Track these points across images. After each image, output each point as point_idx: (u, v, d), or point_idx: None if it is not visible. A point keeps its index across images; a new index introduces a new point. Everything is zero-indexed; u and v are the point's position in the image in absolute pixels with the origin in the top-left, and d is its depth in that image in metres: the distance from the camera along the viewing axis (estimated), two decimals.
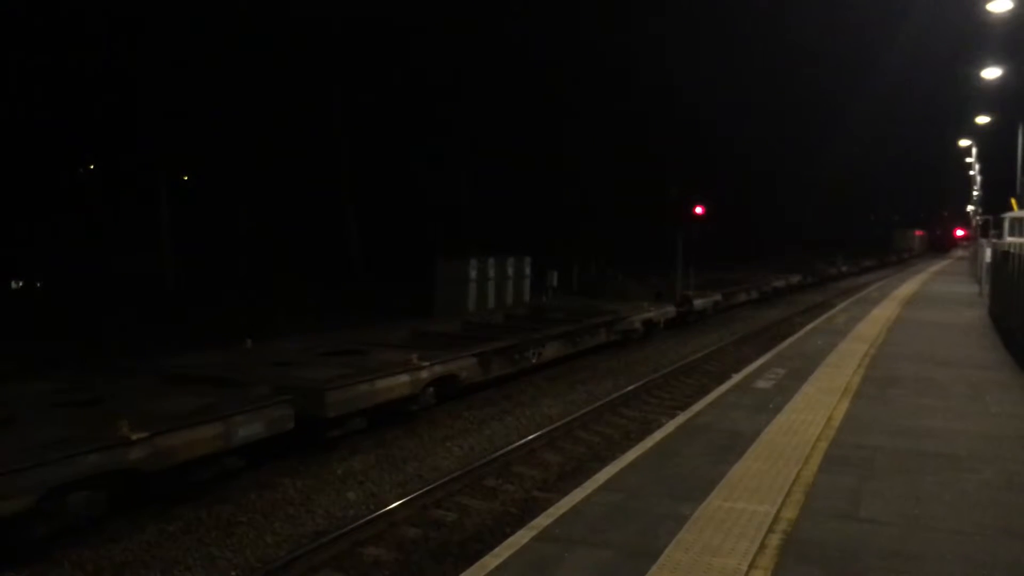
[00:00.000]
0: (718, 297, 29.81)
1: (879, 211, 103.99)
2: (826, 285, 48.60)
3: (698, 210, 44.78)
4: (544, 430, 13.68)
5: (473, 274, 23.43)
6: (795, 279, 41.88)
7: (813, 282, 46.29)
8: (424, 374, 13.55)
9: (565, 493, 8.60)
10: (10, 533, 8.11)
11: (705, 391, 14.88)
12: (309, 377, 12.27)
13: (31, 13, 25.35)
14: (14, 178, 27.73)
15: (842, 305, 29.68)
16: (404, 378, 13.11)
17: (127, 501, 9.36)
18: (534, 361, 17.80)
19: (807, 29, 61.83)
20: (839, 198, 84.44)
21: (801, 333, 20.95)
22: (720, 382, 15.30)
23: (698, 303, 27.61)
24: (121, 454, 8.84)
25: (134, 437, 8.94)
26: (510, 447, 12.68)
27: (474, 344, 16.11)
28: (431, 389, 13.89)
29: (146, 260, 29.86)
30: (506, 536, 7.58)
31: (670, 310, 25.58)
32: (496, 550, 6.75)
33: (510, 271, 25.08)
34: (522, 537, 6.95)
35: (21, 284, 29.33)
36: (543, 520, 7.35)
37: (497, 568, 6.34)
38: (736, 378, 14.38)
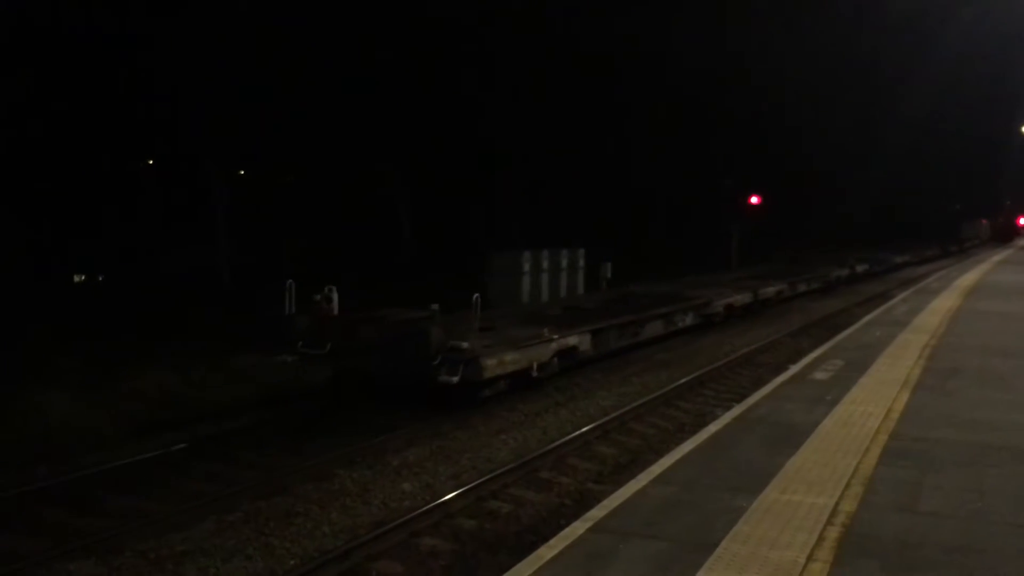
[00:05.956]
0: (867, 266, 44.42)
1: (940, 200, 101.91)
2: (885, 275, 47.97)
3: (753, 200, 44.32)
4: (598, 422, 13.69)
5: (527, 267, 23.39)
6: (905, 257, 55.71)
7: (915, 261, 57.34)
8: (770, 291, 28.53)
9: (620, 485, 8.58)
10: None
11: (760, 383, 14.74)
12: (706, 294, 24.15)
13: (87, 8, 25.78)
14: (74, 173, 28.27)
15: (902, 295, 29.16)
16: (748, 295, 26.31)
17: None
18: (801, 290, 32.53)
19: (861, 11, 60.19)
20: (898, 187, 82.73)
21: (860, 324, 20.65)
22: (776, 374, 15.17)
23: (859, 268, 42.26)
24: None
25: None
26: (564, 439, 12.69)
27: (781, 278, 31.14)
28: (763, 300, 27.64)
29: (203, 254, 30.25)
30: (561, 528, 7.58)
31: (846, 272, 39.70)
32: (551, 542, 6.74)
33: (563, 263, 25.01)
34: (577, 529, 6.94)
35: (83, 278, 29.93)
36: (598, 512, 7.33)
37: (552, 560, 6.34)
38: (793, 369, 14.23)
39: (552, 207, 39.98)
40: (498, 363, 13.86)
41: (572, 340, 16.20)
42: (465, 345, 13.41)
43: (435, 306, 14.39)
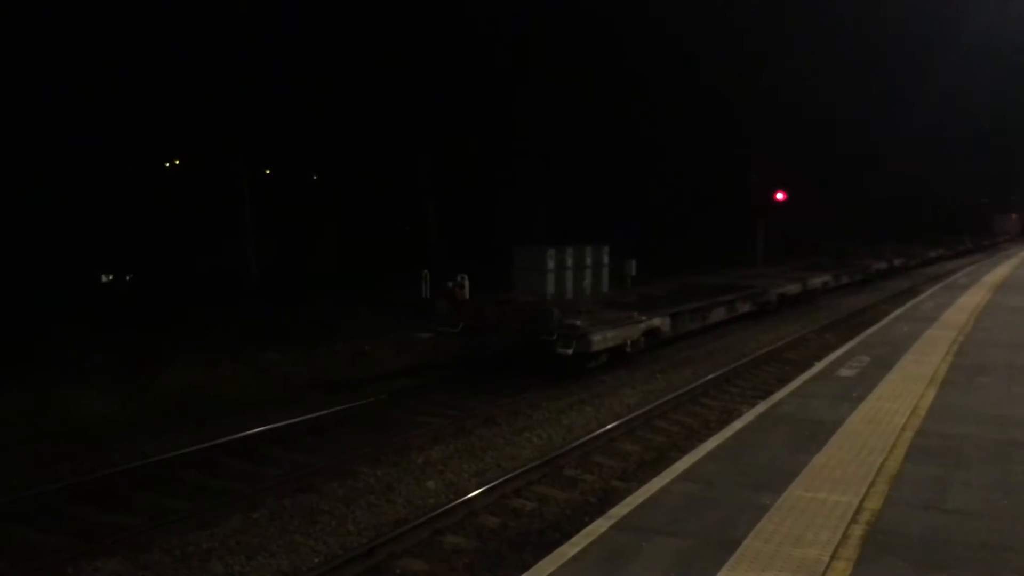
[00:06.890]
0: (904, 260, 47.02)
1: (967, 195, 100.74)
2: (915, 270, 47.74)
3: (779, 196, 44.01)
4: (622, 419, 13.66)
5: (551, 263, 23.30)
6: (939, 251, 58.16)
7: (948, 256, 59.85)
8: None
9: (644, 483, 8.56)
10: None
11: (785, 380, 14.66)
12: (761, 284, 26.79)
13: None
14: (101, 173, 28.46)
15: (930, 291, 28.94)
16: (798, 286, 28.82)
17: None
18: (844, 281, 35.23)
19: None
20: (919, 180, 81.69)
21: (887, 320, 20.51)
22: (802, 370, 15.08)
23: (896, 262, 44.98)
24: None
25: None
26: (589, 436, 12.68)
27: (826, 270, 33.75)
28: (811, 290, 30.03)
29: (229, 253, 30.35)
30: (585, 525, 7.58)
31: (884, 265, 42.31)
32: (574, 539, 6.75)
33: (588, 260, 24.89)
34: (600, 526, 6.94)
35: (111, 278, 30.14)
36: (622, 509, 7.33)
37: (575, 557, 6.35)
38: (819, 366, 14.15)
39: (574, 205, 39.78)
40: (602, 339, 16.36)
41: (656, 322, 18.84)
42: (579, 323, 16.08)
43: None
